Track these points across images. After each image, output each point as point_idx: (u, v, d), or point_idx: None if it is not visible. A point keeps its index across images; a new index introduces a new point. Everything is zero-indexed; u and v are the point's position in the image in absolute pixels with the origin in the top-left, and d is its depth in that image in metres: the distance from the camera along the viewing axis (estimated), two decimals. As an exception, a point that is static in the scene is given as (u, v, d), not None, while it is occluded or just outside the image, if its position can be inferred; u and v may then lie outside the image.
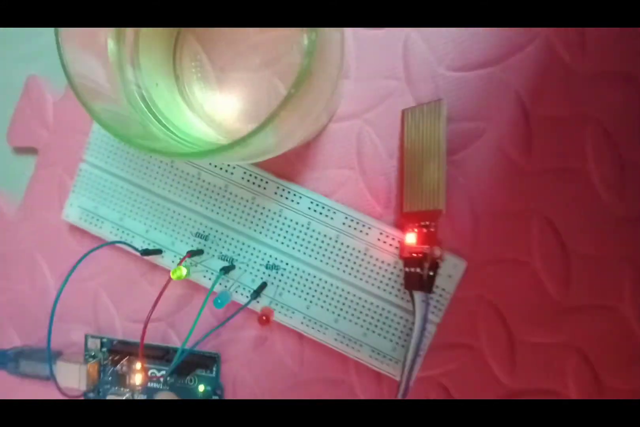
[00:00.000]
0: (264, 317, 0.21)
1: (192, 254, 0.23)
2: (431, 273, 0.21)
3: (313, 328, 0.24)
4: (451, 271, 0.23)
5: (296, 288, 0.24)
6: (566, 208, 0.23)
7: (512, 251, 0.23)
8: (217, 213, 0.25)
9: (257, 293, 0.23)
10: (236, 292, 0.25)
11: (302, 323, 0.24)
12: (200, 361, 0.26)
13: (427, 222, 0.22)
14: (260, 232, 0.24)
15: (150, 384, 0.27)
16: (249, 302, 0.23)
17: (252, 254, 0.24)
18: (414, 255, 0.22)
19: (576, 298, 0.23)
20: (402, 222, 0.23)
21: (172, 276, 0.21)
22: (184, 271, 0.21)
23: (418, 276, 0.21)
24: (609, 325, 0.23)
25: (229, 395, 0.26)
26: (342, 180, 0.24)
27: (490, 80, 0.23)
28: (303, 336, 0.25)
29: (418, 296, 0.21)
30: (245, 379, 0.26)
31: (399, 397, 0.22)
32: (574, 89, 0.22)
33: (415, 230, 0.22)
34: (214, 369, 0.26)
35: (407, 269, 0.22)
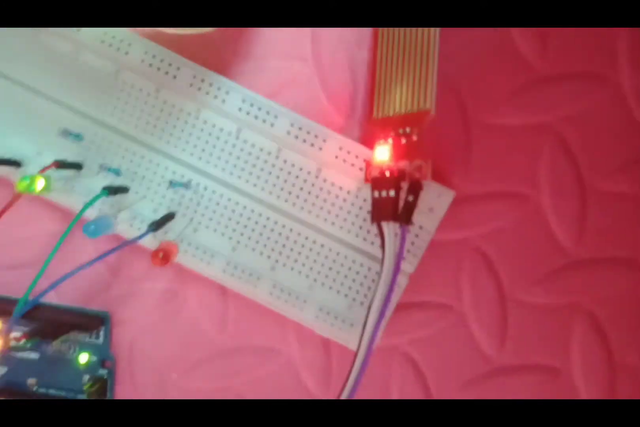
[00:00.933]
0: (161, 254, 0.14)
1: (61, 165, 0.16)
2: (411, 198, 0.14)
3: (240, 278, 0.17)
4: (433, 202, 0.16)
5: (218, 222, 0.17)
6: (585, 124, 0.17)
7: (513, 179, 0.17)
8: (103, 111, 0.17)
9: (157, 225, 0.16)
10: (131, 226, 0.17)
11: (224, 271, 0.17)
12: (81, 322, 0.19)
13: (408, 129, 0.15)
14: (168, 142, 0.17)
15: (12, 352, 0.19)
16: (143, 236, 0.16)
17: (155, 173, 0.17)
18: (387, 174, 0.15)
19: (590, 248, 0.17)
20: (371, 134, 0.17)
21: (17, 187, 0.13)
22: (39, 184, 0.14)
23: (391, 201, 0.14)
24: (628, 283, 0.17)
25: (122, 368, 0.19)
26: (290, 77, 0.17)
27: None
28: (227, 290, 0.18)
29: (390, 228, 0.14)
30: (146, 347, 0.19)
31: (354, 372, 0.15)
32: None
33: (390, 140, 0.15)
34: (102, 333, 0.19)
35: (376, 194, 0.15)
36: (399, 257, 0.14)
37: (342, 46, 0.17)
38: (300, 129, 0.16)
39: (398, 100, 0.15)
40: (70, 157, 0.17)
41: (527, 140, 0.17)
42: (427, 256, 0.17)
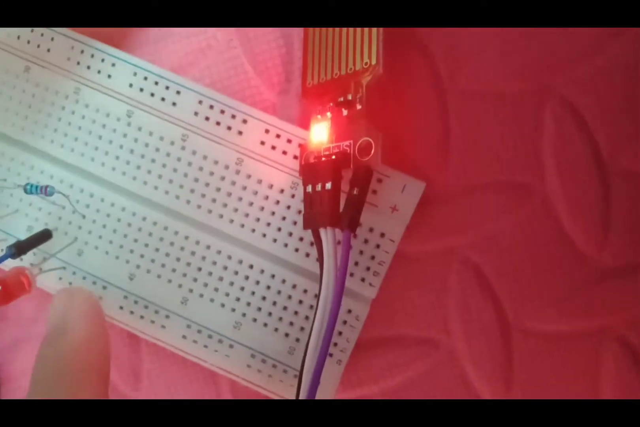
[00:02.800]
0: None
1: None
2: (356, 191, 0.10)
3: (143, 317, 0.13)
4: (395, 198, 0.12)
5: (109, 241, 0.13)
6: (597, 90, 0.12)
7: (509, 164, 0.13)
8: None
9: (21, 247, 0.12)
10: (1, 251, 0.13)
11: (121, 308, 0.13)
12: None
13: (349, 96, 0.11)
14: (43, 136, 0.13)
15: None
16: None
17: (28, 179, 0.13)
18: (323, 160, 0.11)
19: (620, 253, 0.13)
20: (307, 109, 0.12)
21: None
22: None
23: (328, 197, 0.10)
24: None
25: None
26: (204, 45, 0.13)
27: None
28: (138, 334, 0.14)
29: (329, 236, 0.10)
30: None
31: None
32: None
33: (328, 114, 0.11)
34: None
35: (308, 188, 0.11)
36: (342, 273, 0.09)
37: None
38: (211, 107, 0.12)
39: (336, 59, 0.11)
40: None
41: (525, 108, 0.13)
42: (396, 274, 0.12)
